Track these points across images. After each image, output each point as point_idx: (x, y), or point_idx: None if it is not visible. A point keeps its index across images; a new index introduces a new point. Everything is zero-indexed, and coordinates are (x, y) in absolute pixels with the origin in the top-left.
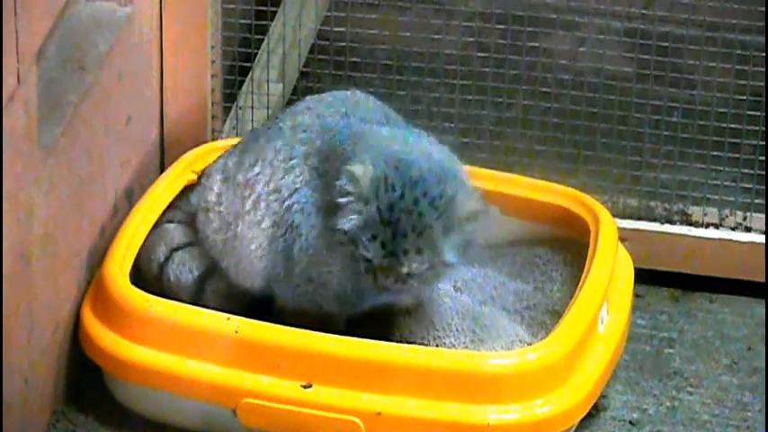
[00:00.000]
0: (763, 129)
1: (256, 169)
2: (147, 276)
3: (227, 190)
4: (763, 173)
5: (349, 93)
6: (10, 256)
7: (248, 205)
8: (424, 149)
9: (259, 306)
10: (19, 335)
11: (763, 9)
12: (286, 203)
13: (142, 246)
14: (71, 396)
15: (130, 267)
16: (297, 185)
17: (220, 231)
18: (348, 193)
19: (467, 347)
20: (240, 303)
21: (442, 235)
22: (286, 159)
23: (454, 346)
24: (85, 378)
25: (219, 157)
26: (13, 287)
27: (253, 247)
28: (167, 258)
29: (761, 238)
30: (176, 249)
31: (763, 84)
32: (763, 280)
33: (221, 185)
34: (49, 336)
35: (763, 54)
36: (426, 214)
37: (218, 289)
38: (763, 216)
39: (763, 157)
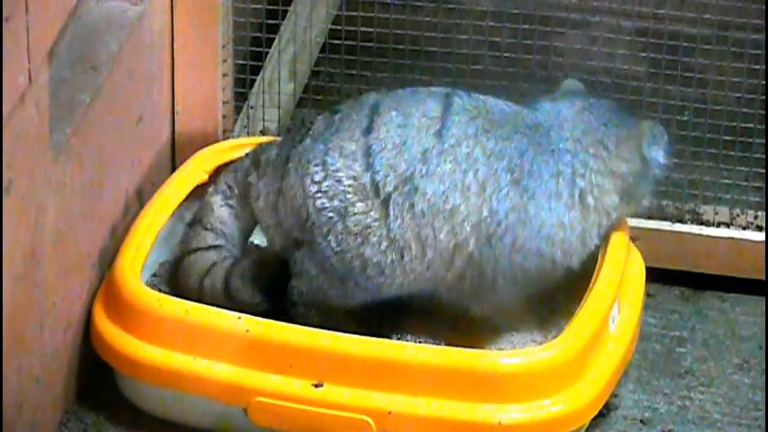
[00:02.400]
0: None
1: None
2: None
3: None
4: None
5: None
6: (21, 256)
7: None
8: None
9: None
10: (30, 335)
11: None
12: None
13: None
14: (82, 395)
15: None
16: None
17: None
18: None
19: (477, 348)
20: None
21: None
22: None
23: (465, 345)
24: (97, 377)
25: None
26: (25, 287)
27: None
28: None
29: None
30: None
31: None
32: None
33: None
34: (60, 335)
35: None
36: None
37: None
38: None
39: None
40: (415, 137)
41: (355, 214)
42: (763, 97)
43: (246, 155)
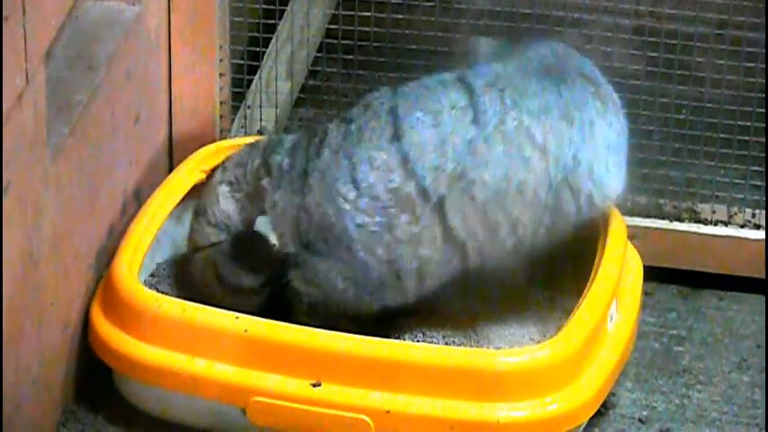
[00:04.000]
0: None
1: None
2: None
3: None
4: None
5: None
6: (19, 255)
7: None
8: None
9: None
10: (28, 334)
11: None
12: None
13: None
14: (80, 395)
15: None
16: None
17: None
18: None
19: (475, 346)
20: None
21: None
22: None
23: (463, 344)
24: (95, 377)
25: None
26: (23, 287)
27: None
28: None
29: None
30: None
31: None
32: None
33: None
34: (58, 335)
35: None
36: None
37: None
38: None
39: None
40: (454, 132)
41: (402, 224)
42: (761, 95)
43: (251, 146)
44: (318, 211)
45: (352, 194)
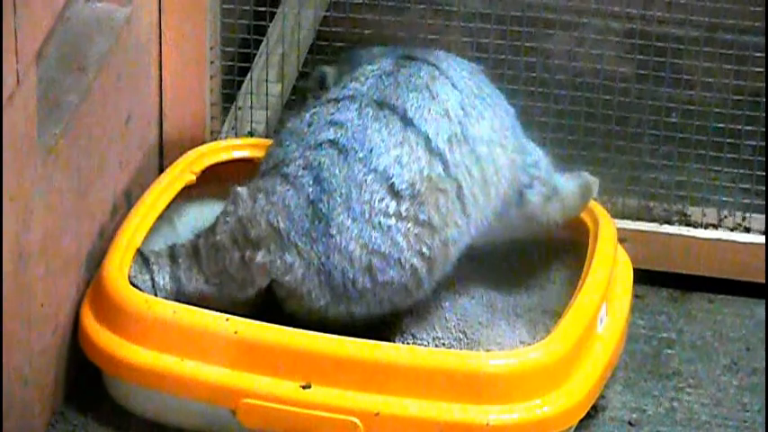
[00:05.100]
0: (763, 129)
1: None
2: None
3: None
4: (763, 173)
5: None
6: (9, 256)
7: None
8: None
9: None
10: (18, 336)
11: (761, 9)
12: None
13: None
14: (71, 397)
15: None
16: None
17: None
18: None
19: (465, 349)
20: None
21: None
22: None
23: (453, 347)
24: (85, 379)
25: None
26: (13, 288)
27: None
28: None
29: (760, 239)
30: None
31: (762, 84)
32: (762, 280)
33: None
34: (48, 337)
35: (762, 54)
36: None
37: None
38: (763, 216)
39: (762, 158)
40: (447, 98)
41: (440, 208)
42: (751, 98)
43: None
44: (340, 266)
45: (393, 206)
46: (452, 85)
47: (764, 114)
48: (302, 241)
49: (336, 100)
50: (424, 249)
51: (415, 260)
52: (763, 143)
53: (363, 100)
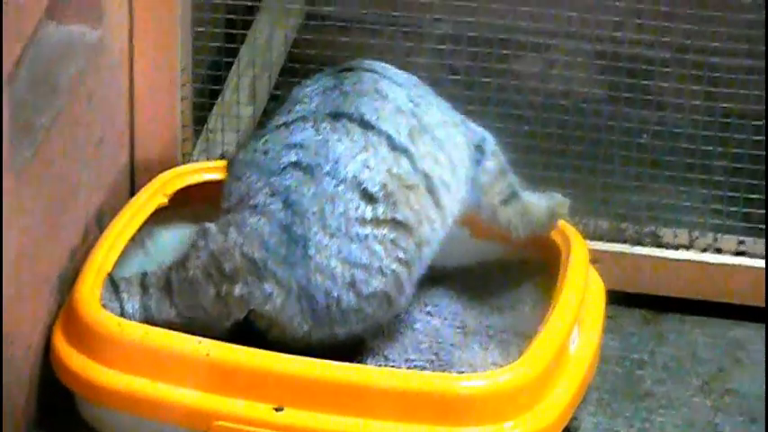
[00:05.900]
0: (733, 151)
1: None
2: None
3: None
4: (733, 194)
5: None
6: None
7: None
8: None
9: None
10: None
11: (731, 30)
12: None
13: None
14: (43, 420)
15: None
16: None
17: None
18: None
19: (438, 371)
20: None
21: None
22: None
23: (425, 369)
24: (57, 402)
25: None
26: None
27: None
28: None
29: (731, 260)
30: None
31: (732, 105)
32: (733, 301)
33: None
34: (20, 359)
35: (732, 76)
36: None
37: None
38: (733, 237)
39: (734, 179)
40: (396, 97)
41: (412, 205)
42: (722, 120)
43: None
44: (320, 291)
45: (369, 211)
46: (394, 83)
47: (765, 130)
48: (280, 269)
49: (287, 124)
50: (401, 254)
51: (394, 266)
52: (734, 164)
53: (317, 116)
